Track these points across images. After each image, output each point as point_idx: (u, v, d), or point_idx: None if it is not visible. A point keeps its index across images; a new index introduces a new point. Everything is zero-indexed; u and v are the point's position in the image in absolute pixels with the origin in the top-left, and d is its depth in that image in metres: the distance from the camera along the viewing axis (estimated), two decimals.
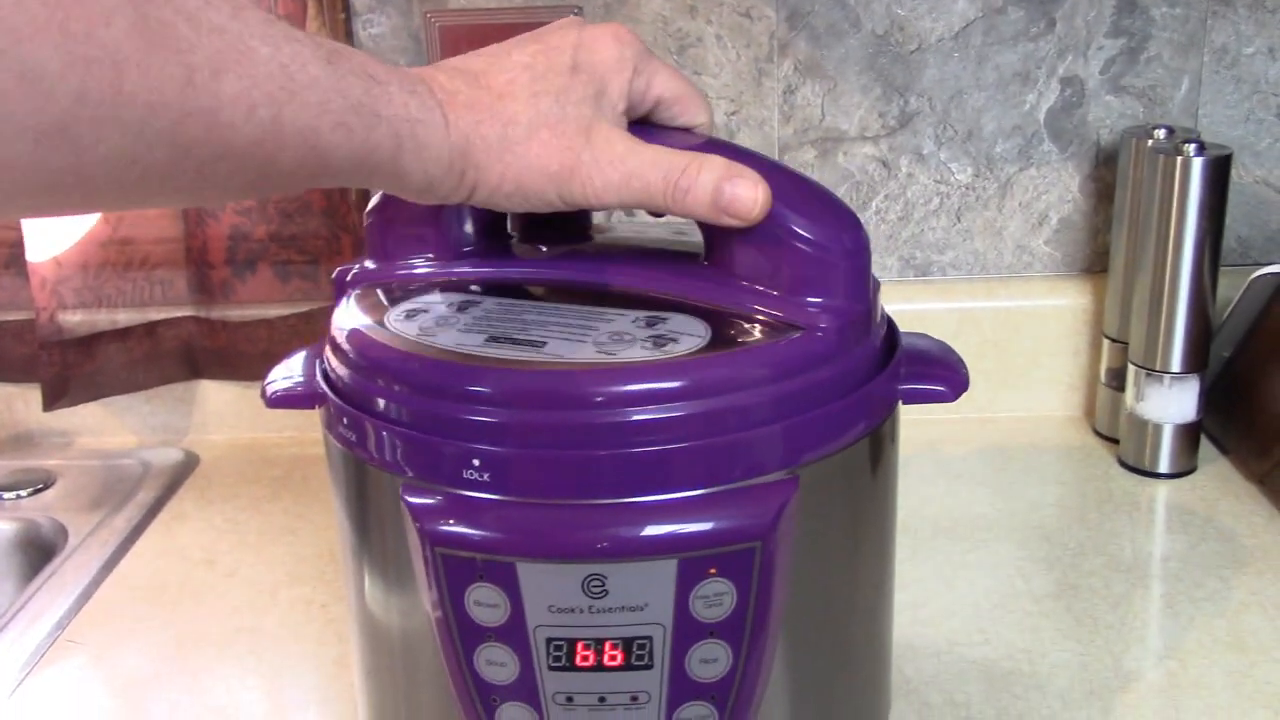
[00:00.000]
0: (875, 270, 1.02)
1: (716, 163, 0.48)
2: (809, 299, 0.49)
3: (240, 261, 1.00)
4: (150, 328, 1.00)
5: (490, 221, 0.57)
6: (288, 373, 0.56)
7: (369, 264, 0.56)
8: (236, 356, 1.01)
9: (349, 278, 0.56)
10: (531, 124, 0.47)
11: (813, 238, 0.49)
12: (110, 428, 1.04)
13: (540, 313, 0.51)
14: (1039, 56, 0.95)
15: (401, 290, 0.54)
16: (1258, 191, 0.98)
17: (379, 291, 0.54)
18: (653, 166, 0.48)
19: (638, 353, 0.46)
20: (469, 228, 0.56)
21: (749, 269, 0.50)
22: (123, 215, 0.97)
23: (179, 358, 1.02)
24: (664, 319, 0.49)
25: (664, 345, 0.47)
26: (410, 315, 0.51)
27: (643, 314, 0.50)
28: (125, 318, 1.00)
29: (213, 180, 0.39)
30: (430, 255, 0.56)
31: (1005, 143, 0.98)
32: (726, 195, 0.48)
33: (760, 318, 0.49)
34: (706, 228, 0.51)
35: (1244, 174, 0.98)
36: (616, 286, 0.53)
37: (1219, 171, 0.84)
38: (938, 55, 0.96)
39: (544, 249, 0.57)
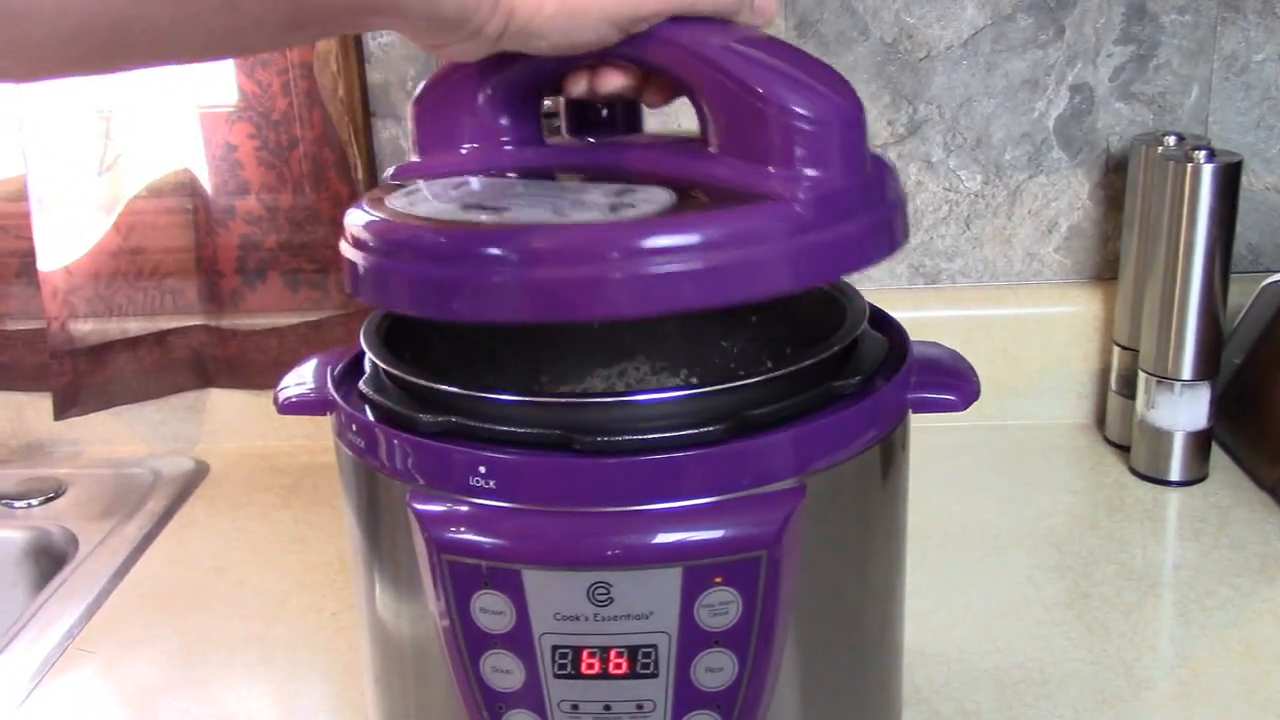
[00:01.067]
0: (884, 278, 1.01)
1: None
2: (802, 171, 0.46)
3: (250, 270, 1.00)
4: (161, 336, 1.01)
5: (529, 111, 0.56)
6: (300, 379, 0.56)
7: (414, 158, 0.56)
8: (246, 365, 1.01)
9: (393, 172, 0.56)
10: None
11: (797, 109, 0.47)
12: (121, 436, 1.05)
13: (525, 188, 0.50)
14: (1048, 64, 0.95)
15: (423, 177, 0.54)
16: (1268, 198, 0.98)
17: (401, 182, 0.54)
18: None
19: (591, 215, 0.45)
20: (505, 119, 0.55)
21: (741, 144, 0.48)
22: (133, 225, 0.97)
23: (189, 366, 1.02)
24: (634, 190, 0.48)
25: (619, 210, 0.46)
26: (410, 194, 0.51)
27: (617, 187, 0.49)
28: (136, 327, 1.00)
29: (245, 12, 0.38)
30: (470, 144, 0.55)
31: (1014, 150, 0.98)
32: None
33: (735, 188, 0.47)
34: (702, 109, 0.50)
35: (1254, 181, 0.97)
36: (614, 167, 0.52)
37: (1229, 178, 0.84)
38: (946, 63, 0.95)
39: (589, 140, 0.56)
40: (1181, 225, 0.85)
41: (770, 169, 0.46)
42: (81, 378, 0.99)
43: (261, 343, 1.00)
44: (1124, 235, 0.94)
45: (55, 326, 0.97)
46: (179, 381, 1.02)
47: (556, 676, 0.46)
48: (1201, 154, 0.83)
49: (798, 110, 0.46)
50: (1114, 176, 0.98)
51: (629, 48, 0.48)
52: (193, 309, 1.01)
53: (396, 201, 0.50)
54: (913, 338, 0.55)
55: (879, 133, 0.97)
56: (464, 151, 0.55)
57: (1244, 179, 0.87)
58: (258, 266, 1.00)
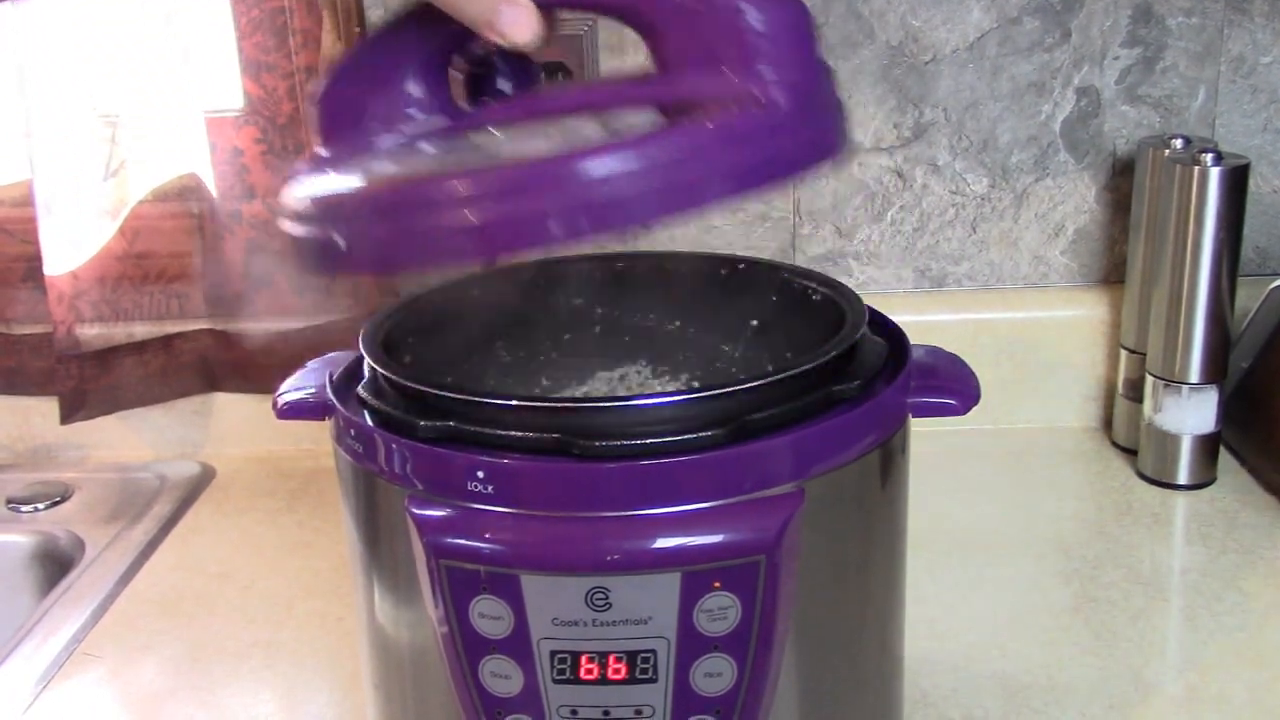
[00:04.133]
0: (890, 281, 1.01)
1: None
2: (761, 72, 0.46)
3: (256, 275, 1.01)
4: (167, 341, 1.01)
5: (435, 82, 0.54)
6: (299, 384, 0.56)
7: (320, 150, 0.54)
8: (252, 369, 1.01)
9: (300, 164, 0.54)
10: None
11: (756, 10, 0.46)
12: (127, 441, 1.05)
13: (489, 136, 0.50)
14: (1054, 67, 0.95)
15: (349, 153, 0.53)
16: (1276, 201, 0.98)
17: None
18: None
19: (591, 135, 0.45)
20: (412, 87, 0.54)
21: (695, 56, 0.48)
22: (139, 229, 0.98)
23: (195, 371, 1.02)
24: (616, 116, 0.48)
25: (620, 133, 0.45)
26: (371, 158, 0.50)
27: (596, 117, 0.49)
28: (142, 331, 1.00)
29: None
30: (378, 124, 0.53)
31: (1021, 153, 0.97)
32: (505, 14, 0.47)
33: (705, 97, 0.46)
34: (647, 30, 0.49)
35: (1262, 184, 0.97)
36: (568, 107, 0.51)
37: (1236, 181, 0.83)
38: (952, 66, 0.95)
39: (495, 100, 0.55)
40: (1188, 228, 0.85)
41: (726, 71, 0.46)
42: (87, 382, 0.99)
43: (267, 347, 1.00)
44: (1131, 238, 0.93)
45: (61, 331, 0.97)
46: (185, 386, 1.02)
47: (555, 682, 0.46)
48: (1208, 157, 0.83)
49: (755, 13, 0.46)
50: (1121, 179, 0.97)
51: None
52: (198, 313, 1.01)
53: (356, 169, 0.48)
54: (919, 341, 0.55)
55: (885, 136, 0.96)
56: (379, 129, 0.53)
57: (1251, 182, 0.87)
58: (263, 271, 1.00)
